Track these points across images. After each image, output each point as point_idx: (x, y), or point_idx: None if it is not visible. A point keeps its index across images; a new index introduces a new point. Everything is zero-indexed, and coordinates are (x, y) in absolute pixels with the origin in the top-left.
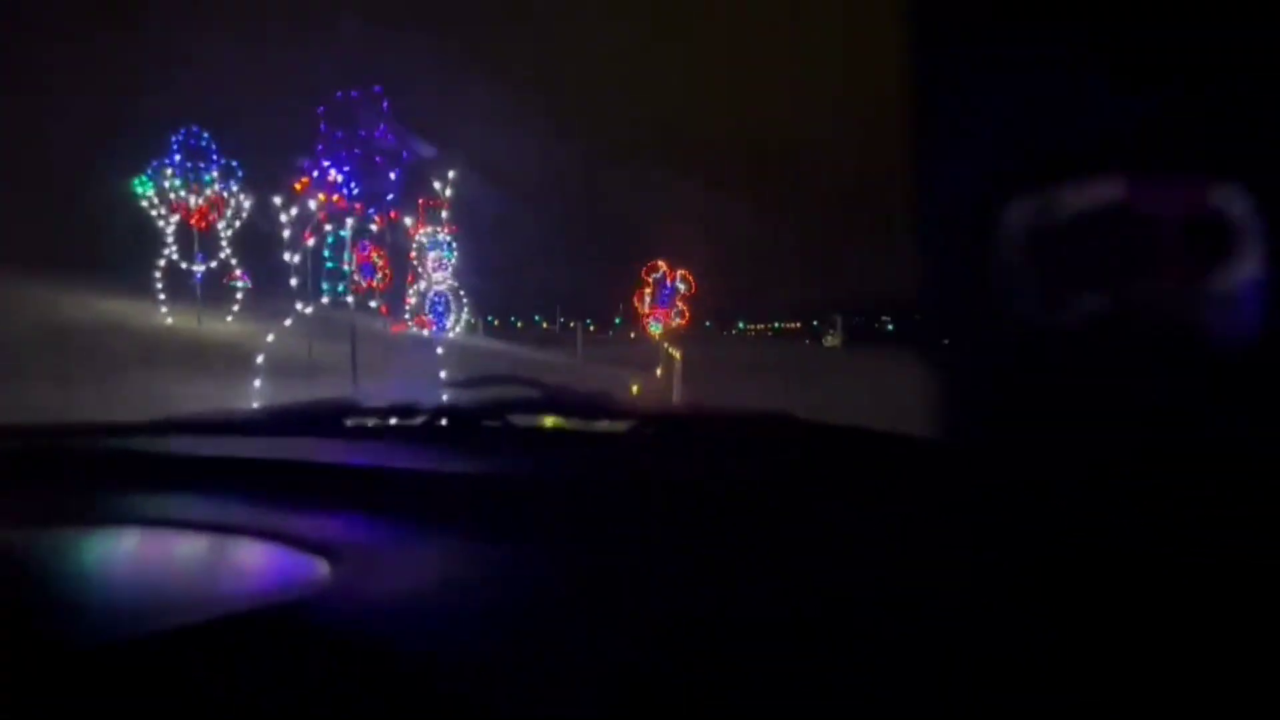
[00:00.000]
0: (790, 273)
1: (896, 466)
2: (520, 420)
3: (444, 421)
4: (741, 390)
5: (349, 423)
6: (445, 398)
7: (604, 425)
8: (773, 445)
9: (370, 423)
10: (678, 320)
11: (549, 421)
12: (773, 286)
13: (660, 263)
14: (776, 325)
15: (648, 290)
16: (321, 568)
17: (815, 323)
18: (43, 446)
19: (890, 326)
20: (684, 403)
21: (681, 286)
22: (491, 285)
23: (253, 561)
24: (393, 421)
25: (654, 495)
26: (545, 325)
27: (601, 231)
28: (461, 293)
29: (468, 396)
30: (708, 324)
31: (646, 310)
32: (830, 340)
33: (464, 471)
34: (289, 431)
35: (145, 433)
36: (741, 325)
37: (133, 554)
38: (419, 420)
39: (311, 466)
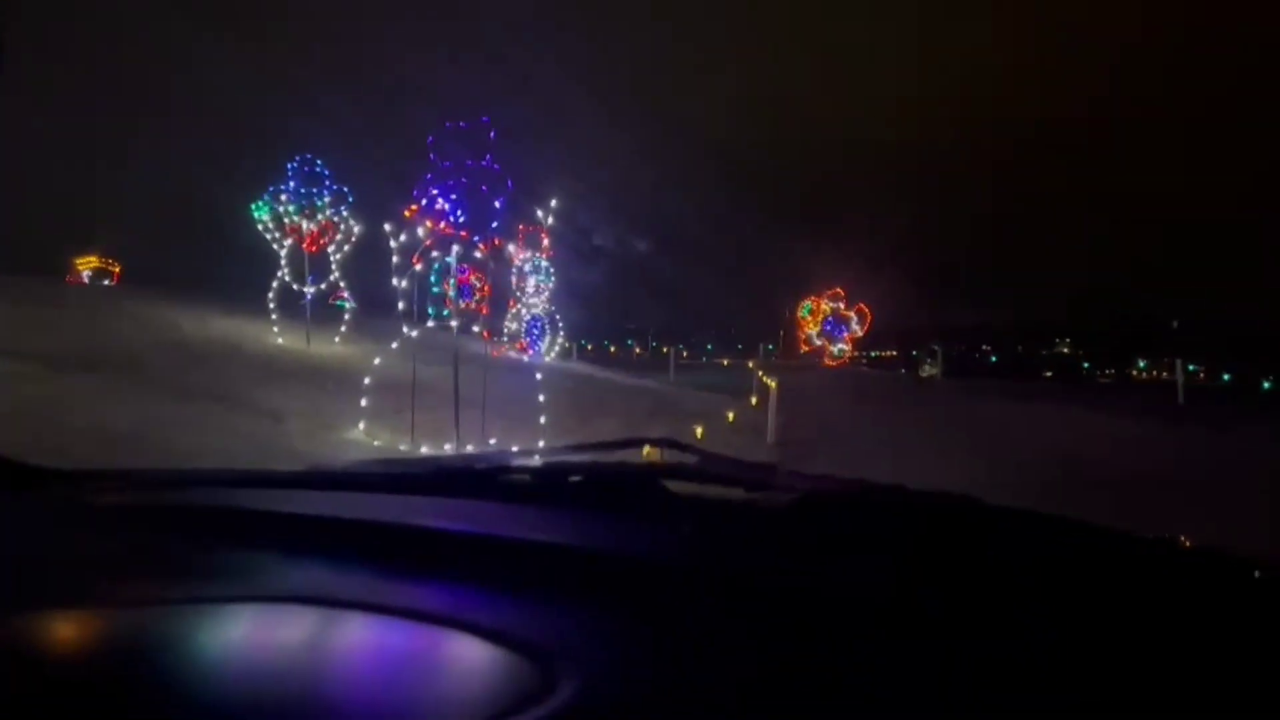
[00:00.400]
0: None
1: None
2: (678, 488)
3: (603, 485)
4: (840, 424)
5: (503, 479)
6: (590, 455)
7: (763, 497)
8: (947, 543)
9: (526, 480)
10: (840, 357)
11: (710, 492)
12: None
13: (841, 290)
14: (872, 353)
15: (823, 314)
16: (537, 673)
17: (914, 352)
18: (190, 503)
19: (993, 358)
20: (848, 478)
21: (855, 324)
22: (586, 310)
23: (459, 661)
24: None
25: (823, 589)
26: (638, 350)
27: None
28: (558, 317)
29: (618, 455)
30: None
31: (820, 340)
32: (928, 370)
33: (641, 552)
34: (444, 489)
35: (294, 484)
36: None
37: (312, 642)
38: (575, 481)
39: (487, 541)
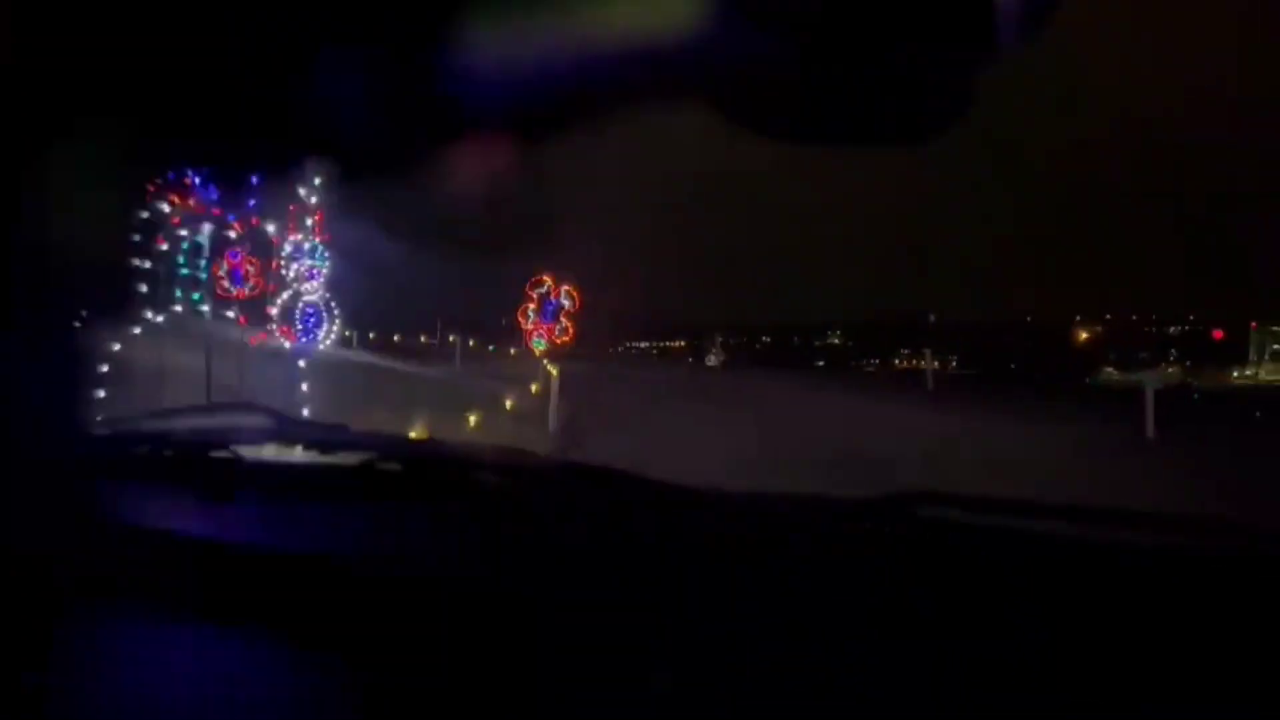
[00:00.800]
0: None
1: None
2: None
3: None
4: (616, 409)
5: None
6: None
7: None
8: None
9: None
10: (562, 337)
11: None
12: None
13: (546, 277)
14: (661, 344)
15: (532, 305)
16: None
17: (696, 342)
18: None
19: (768, 347)
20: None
21: (566, 303)
22: (368, 298)
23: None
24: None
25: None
26: (424, 339)
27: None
28: (334, 304)
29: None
30: (587, 341)
31: (530, 326)
32: (712, 360)
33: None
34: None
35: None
36: (626, 344)
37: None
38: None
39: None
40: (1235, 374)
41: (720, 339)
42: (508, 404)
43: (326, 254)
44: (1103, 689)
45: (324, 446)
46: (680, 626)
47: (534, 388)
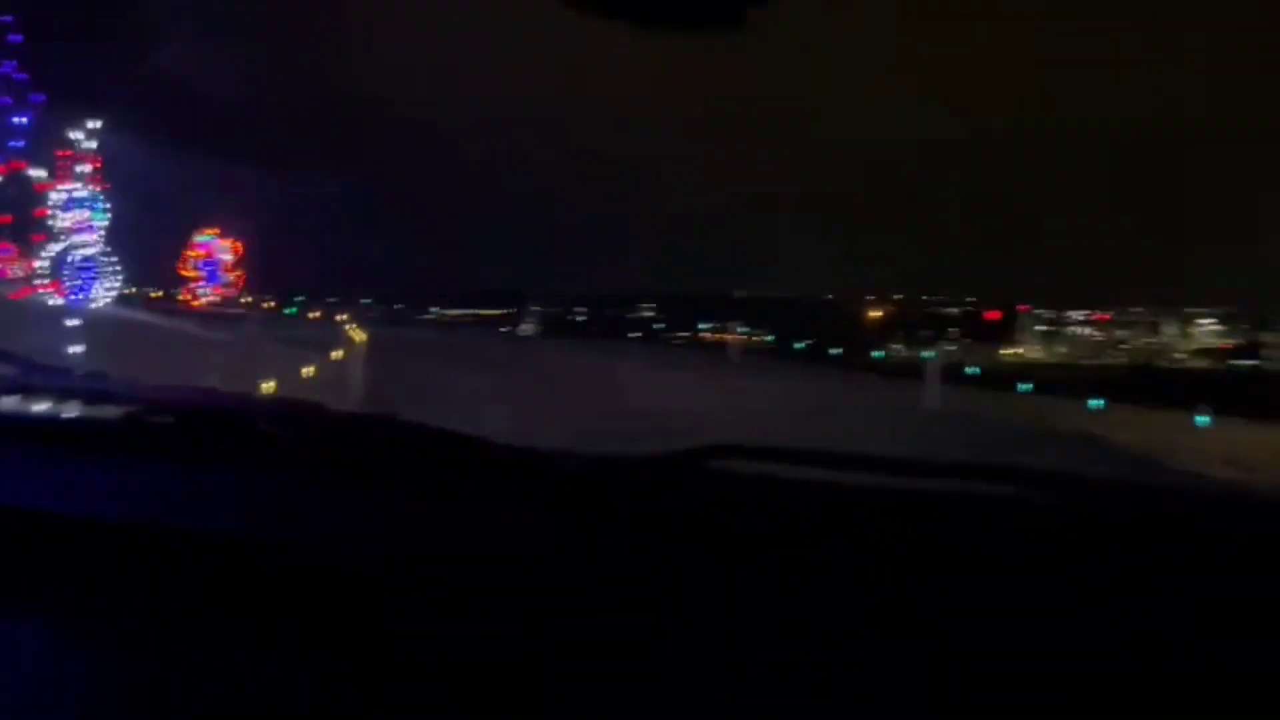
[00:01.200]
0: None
1: None
2: None
3: None
4: (419, 374)
5: None
6: None
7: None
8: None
9: None
10: (227, 289)
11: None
12: (474, 272)
13: (207, 231)
14: (476, 312)
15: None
16: None
17: (513, 311)
18: None
19: (581, 319)
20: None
21: (226, 257)
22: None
23: None
24: None
25: None
26: (219, 298)
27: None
28: (115, 258)
29: None
30: (398, 307)
31: (196, 281)
32: (526, 329)
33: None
34: None
35: None
36: (436, 310)
37: None
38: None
39: None
40: (1007, 351)
41: (535, 308)
42: (305, 371)
43: (106, 205)
44: (888, 631)
45: (83, 397)
46: (477, 580)
47: (335, 355)
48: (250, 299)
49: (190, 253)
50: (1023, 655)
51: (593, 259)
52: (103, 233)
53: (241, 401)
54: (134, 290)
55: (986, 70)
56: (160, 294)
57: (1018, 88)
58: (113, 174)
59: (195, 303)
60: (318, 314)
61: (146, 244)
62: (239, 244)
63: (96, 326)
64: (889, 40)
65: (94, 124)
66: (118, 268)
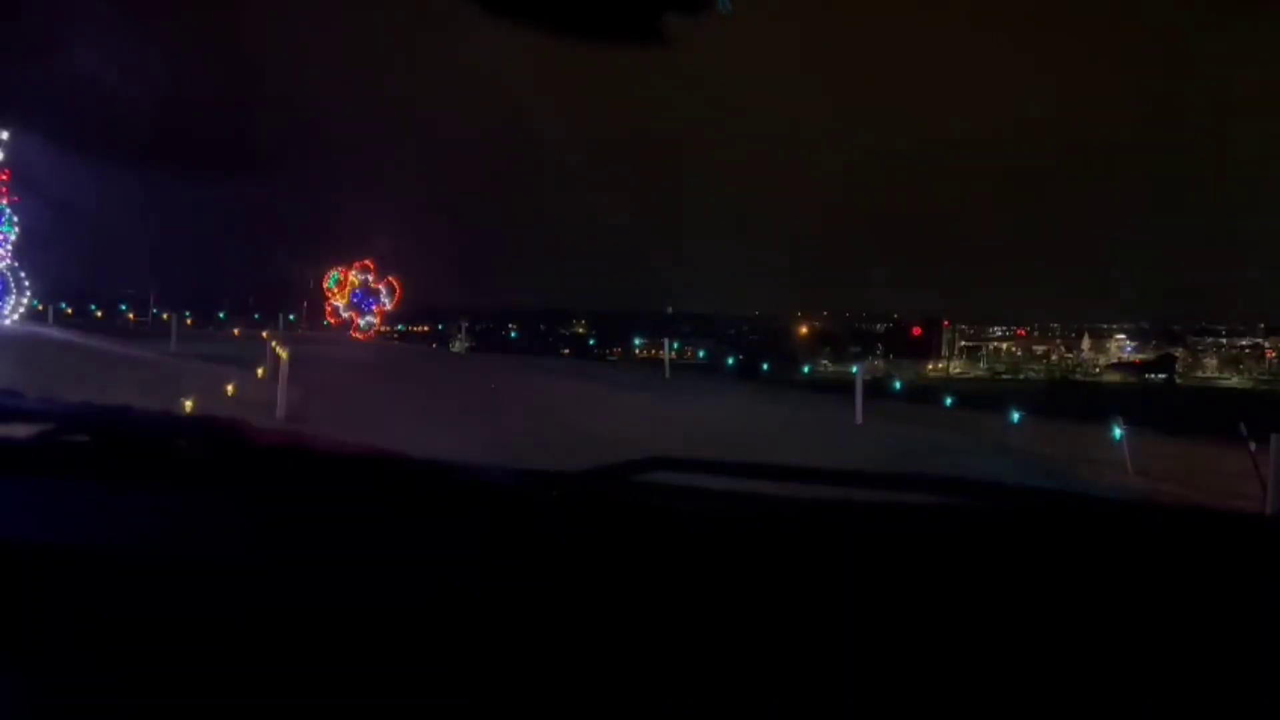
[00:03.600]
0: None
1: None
2: None
3: None
4: (364, 398)
5: None
6: None
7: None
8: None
9: None
10: (374, 325)
11: None
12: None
13: (371, 262)
14: (402, 327)
15: (350, 287)
16: None
17: (440, 326)
18: None
19: (515, 335)
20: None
21: (385, 298)
22: (67, 268)
23: None
24: None
25: None
26: (133, 316)
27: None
28: (23, 274)
29: None
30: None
31: (347, 310)
32: (458, 345)
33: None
34: None
35: None
36: (364, 324)
37: None
38: None
39: None
40: (930, 367)
41: (466, 324)
42: (229, 390)
43: (14, 218)
44: (822, 637)
45: None
46: (396, 598)
47: (260, 371)
48: (166, 315)
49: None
50: (952, 658)
51: (524, 275)
52: (9, 247)
53: (159, 419)
54: (44, 307)
55: (910, 91)
56: (70, 312)
57: (941, 106)
58: (21, 186)
59: (356, 335)
60: (237, 330)
61: (57, 258)
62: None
63: (11, 345)
64: (815, 56)
65: (1, 134)
66: (26, 284)
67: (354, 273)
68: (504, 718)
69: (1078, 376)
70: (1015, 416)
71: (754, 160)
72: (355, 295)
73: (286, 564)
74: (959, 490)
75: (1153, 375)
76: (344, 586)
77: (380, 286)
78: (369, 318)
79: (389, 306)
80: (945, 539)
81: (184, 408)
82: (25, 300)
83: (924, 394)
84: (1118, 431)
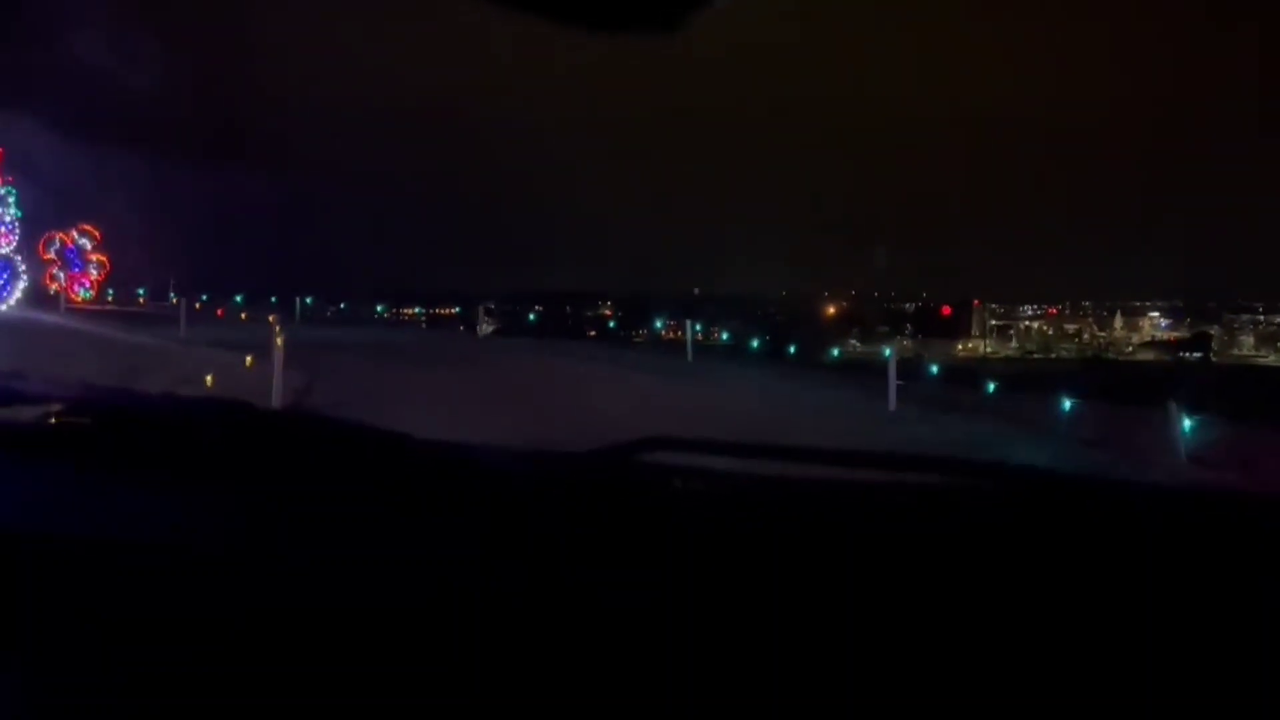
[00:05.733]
0: (448, 257)
1: None
2: None
3: None
4: (381, 384)
5: None
6: None
7: None
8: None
9: None
10: (95, 276)
11: None
12: (429, 271)
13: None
14: (422, 310)
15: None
16: None
17: (458, 309)
18: None
19: (531, 318)
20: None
21: (86, 243)
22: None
23: None
24: None
25: None
26: (142, 300)
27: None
28: (19, 257)
29: None
30: (342, 306)
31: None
32: (485, 328)
33: None
34: None
35: None
36: (380, 309)
37: None
38: None
39: None
40: (960, 347)
41: (491, 307)
42: (207, 380)
43: (17, 202)
44: (825, 621)
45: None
46: (399, 580)
47: (248, 360)
48: (177, 299)
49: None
50: (981, 650)
51: (549, 258)
52: (15, 230)
53: (163, 402)
54: (58, 291)
55: (935, 68)
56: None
57: (964, 85)
58: (18, 167)
59: (73, 297)
60: (244, 315)
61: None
62: (96, 229)
63: (16, 333)
64: (840, 39)
65: None
66: (21, 265)
67: (65, 235)
68: (503, 712)
69: (1110, 355)
70: (1066, 404)
71: (781, 138)
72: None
73: (284, 557)
74: (972, 472)
75: (1187, 354)
76: (345, 572)
77: (73, 244)
78: (82, 266)
79: (90, 246)
80: (961, 526)
81: (189, 391)
82: (23, 285)
83: (957, 376)
84: (1179, 418)
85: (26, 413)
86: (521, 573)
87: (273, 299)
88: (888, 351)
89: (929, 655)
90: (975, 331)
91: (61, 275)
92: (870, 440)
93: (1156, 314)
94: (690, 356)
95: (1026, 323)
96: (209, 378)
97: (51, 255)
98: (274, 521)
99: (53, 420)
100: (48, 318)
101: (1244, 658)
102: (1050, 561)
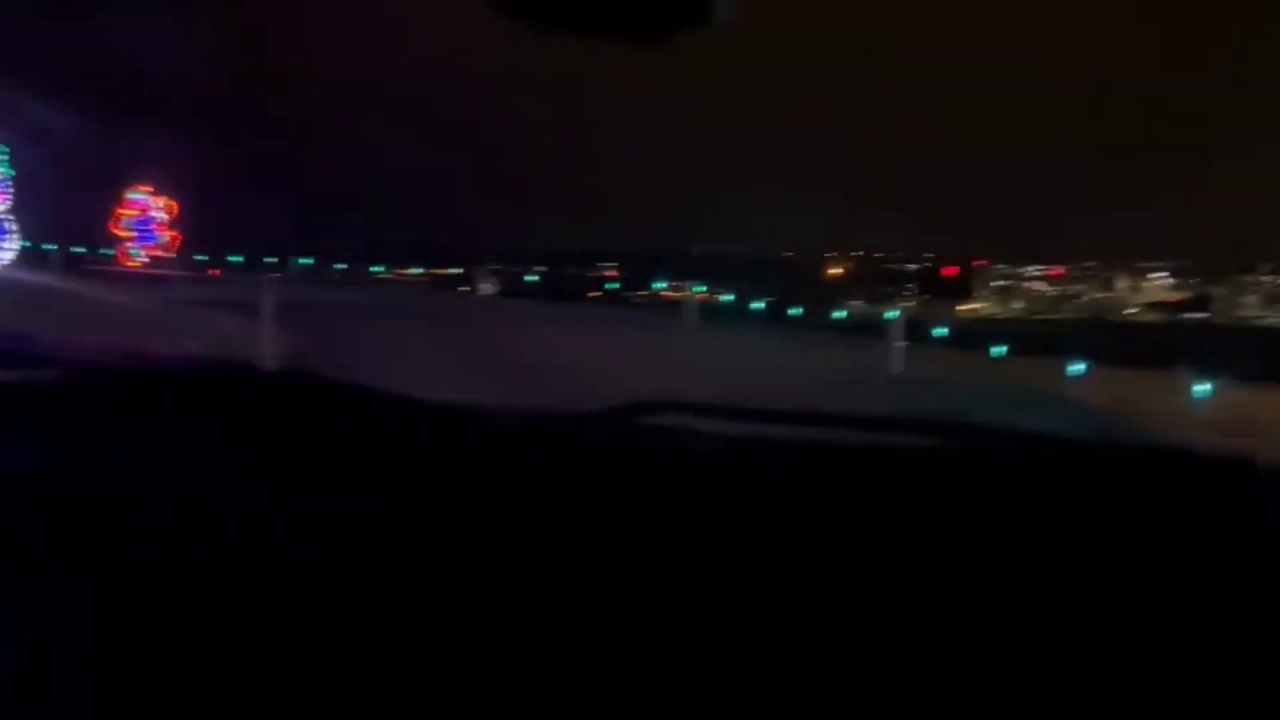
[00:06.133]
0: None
1: None
2: None
3: None
4: (375, 345)
5: None
6: None
7: None
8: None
9: None
10: (161, 248)
11: None
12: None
13: (141, 189)
14: (422, 270)
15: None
16: None
17: (466, 271)
18: None
19: (530, 278)
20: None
21: (161, 216)
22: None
23: None
24: None
25: None
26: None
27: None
28: (12, 218)
29: None
30: (341, 266)
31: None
32: (487, 289)
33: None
34: None
35: None
36: (381, 269)
37: None
38: None
39: None
40: (961, 308)
41: (492, 267)
42: (233, 333)
43: (8, 158)
44: (825, 621)
45: (8, 360)
46: (399, 534)
47: (267, 317)
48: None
49: (123, 211)
50: (981, 621)
51: (548, 216)
52: (9, 187)
53: (167, 362)
54: (58, 251)
55: (934, 22)
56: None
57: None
58: (15, 125)
59: (131, 264)
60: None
61: (55, 199)
62: (174, 202)
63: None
64: None
65: None
66: (14, 228)
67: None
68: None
69: (1113, 316)
70: (1080, 367)
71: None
72: (136, 225)
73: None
74: (974, 438)
75: (1190, 314)
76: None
77: (153, 213)
78: (156, 240)
79: (166, 220)
80: (962, 526)
81: (189, 351)
82: (13, 243)
83: (962, 338)
84: (1199, 383)
85: (14, 375)
86: (509, 527)
87: (269, 259)
88: (891, 314)
89: (929, 655)
90: (978, 292)
91: (138, 251)
92: (874, 404)
93: (1165, 274)
94: (691, 318)
95: (1030, 283)
96: (196, 340)
97: (126, 225)
98: (272, 481)
99: (43, 381)
100: (39, 278)
101: (1264, 656)
102: (1054, 550)
